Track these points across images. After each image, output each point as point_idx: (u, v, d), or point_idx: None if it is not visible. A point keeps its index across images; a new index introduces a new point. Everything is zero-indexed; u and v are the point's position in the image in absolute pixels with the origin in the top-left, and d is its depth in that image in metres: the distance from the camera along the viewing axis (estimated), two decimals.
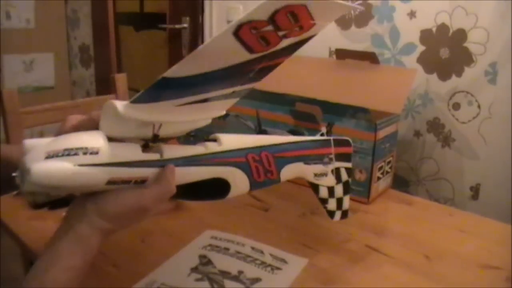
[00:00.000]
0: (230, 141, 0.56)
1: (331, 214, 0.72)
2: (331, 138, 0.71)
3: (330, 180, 0.70)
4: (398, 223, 0.86)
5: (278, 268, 0.67)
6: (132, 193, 0.47)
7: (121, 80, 1.29)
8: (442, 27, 1.09)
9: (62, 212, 0.81)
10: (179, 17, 1.79)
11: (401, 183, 1.19)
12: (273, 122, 1.00)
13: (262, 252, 0.71)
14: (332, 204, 0.71)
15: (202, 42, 1.70)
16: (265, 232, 0.78)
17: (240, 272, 0.66)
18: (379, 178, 0.93)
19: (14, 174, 0.43)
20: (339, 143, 0.71)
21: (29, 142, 0.45)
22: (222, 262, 0.68)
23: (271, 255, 0.71)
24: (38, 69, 2.33)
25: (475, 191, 1.09)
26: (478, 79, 1.05)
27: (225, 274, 0.65)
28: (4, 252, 1.65)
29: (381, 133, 0.90)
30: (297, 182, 0.99)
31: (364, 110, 0.89)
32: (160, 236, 0.76)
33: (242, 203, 0.90)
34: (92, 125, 0.47)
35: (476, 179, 1.09)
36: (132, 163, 0.46)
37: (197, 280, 0.64)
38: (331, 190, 0.71)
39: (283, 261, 0.69)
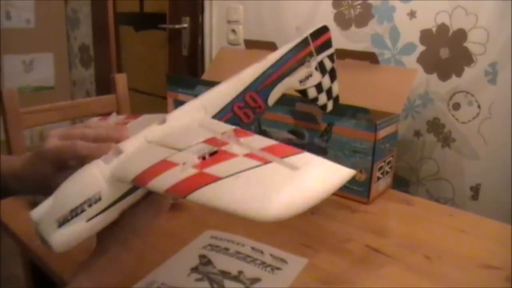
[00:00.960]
0: (215, 102, 0.54)
1: (323, 107, 0.70)
2: (307, 35, 0.67)
3: (316, 77, 0.68)
4: (398, 223, 0.86)
5: (278, 268, 0.67)
6: (151, 212, 0.49)
7: (121, 80, 1.29)
8: (442, 27, 1.09)
9: None
10: (179, 17, 1.79)
11: (401, 183, 1.19)
12: (273, 122, 1.00)
13: (262, 252, 0.71)
14: (322, 99, 0.70)
15: (202, 42, 1.70)
16: (265, 232, 0.78)
17: (240, 272, 0.66)
18: (379, 178, 0.93)
19: (37, 243, 0.45)
20: (316, 34, 0.67)
21: (36, 214, 0.44)
22: (222, 262, 0.68)
23: (271, 255, 0.70)
24: (38, 69, 2.33)
25: (475, 191, 1.09)
26: (478, 79, 1.05)
27: (225, 274, 0.65)
28: (4, 252, 1.65)
29: (381, 133, 0.90)
30: None
31: (364, 110, 0.89)
32: (160, 236, 0.76)
33: None
34: (72, 149, 0.49)
35: (476, 179, 1.09)
36: (134, 187, 0.46)
37: (197, 280, 0.64)
38: (318, 86, 0.69)
39: (283, 261, 0.69)
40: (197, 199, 0.38)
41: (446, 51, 1.10)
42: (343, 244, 0.76)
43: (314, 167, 0.40)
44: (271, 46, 1.25)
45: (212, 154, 0.42)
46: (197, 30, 1.71)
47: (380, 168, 0.93)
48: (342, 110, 0.90)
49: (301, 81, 0.66)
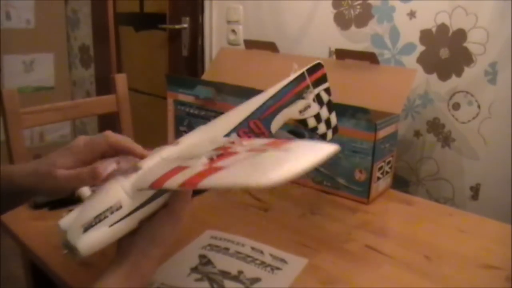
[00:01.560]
0: (222, 127, 0.59)
1: (323, 137, 0.75)
2: (304, 70, 0.72)
3: (314, 108, 0.73)
4: (398, 223, 0.86)
5: (278, 268, 0.67)
6: (169, 223, 0.51)
7: (121, 80, 1.29)
8: (442, 27, 1.09)
9: (62, 212, 0.81)
10: (179, 17, 1.79)
11: (401, 183, 1.19)
12: None
13: (262, 252, 0.71)
14: (322, 128, 0.75)
15: (202, 42, 1.70)
16: (265, 232, 0.78)
17: (240, 272, 0.66)
18: (379, 178, 0.94)
19: (64, 252, 0.49)
20: (312, 70, 0.72)
21: (64, 223, 0.49)
22: (222, 262, 0.68)
23: (271, 255, 0.71)
24: (38, 69, 2.33)
25: (475, 191, 1.09)
26: (478, 79, 1.05)
27: (225, 274, 0.65)
28: (4, 252, 1.65)
29: (381, 133, 0.90)
30: (297, 182, 0.99)
31: (364, 110, 0.89)
32: None
33: (242, 203, 0.90)
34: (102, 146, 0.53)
35: (476, 179, 1.09)
36: (152, 197, 0.51)
37: (197, 280, 0.64)
38: (317, 117, 0.74)
39: (283, 261, 0.69)
40: (205, 185, 0.43)
41: (446, 51, 1.10)
42: (343, 244, 0.76)
43: (303, 145, 0.46)
44: (271, 46, 1.25)
45: (219, 155, 0.48)
46: (197, 30, 1.71)
47: (380, 168, 0.93)
48: (342, 110, 0.91)
49: (300, 112, 0.71)
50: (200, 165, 0.46)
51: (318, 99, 0.73)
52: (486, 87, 1.04)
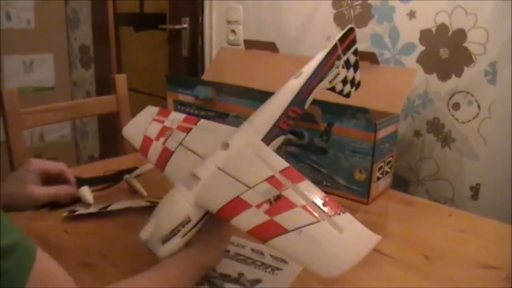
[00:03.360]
0: (264, 125, 0.63)
1: (347, 95, 0.76)
2: (336, 41, 0.70)
3: (342, 74, 0.73)
4: (398, 223, 0.86)
5: (278, 269, 0.67)
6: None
7: (121, 80, 1.29)
8: (442, 27, 1.09)
9: (63, 212, 0.82)
10: (179, 17, 1.79)
11: (401, 183, 1.19)
12: None
13: (262, 253, 0.71)
14: (347, 88, 0.75)
15: (202, 42, 1.70)
16: None
17: (241, 275, 0.66)
18: (378, 178, 0.94)
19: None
20: (343, 38, 0.71)
21: (144, 235, 0.58)
22: (222, 265, 0.67)
23: (271, 256, 0.71)
24: (38, 69, 2.33)
25: (475, 191, 1.09)
26: (478, 79, 1.05)
27: (225, 277, 0.65)
28: None
29: (381, 133, 0.90)
30: None
31: (364, 110, 0.89)
32: None
33: None
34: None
35: (476, 179, 1.09)
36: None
37: (197, 284, 0.64)
38: (344, 80, 0.73)
39: (283, 261, 0.69)
40: (272, 246, 0.51)
41: (445, 51, 1.10)
42: None
43: (354, 233, 0.54)
44: (271, 46, 1.25)
45: (276, 198, 0.54)
46: (197, 30, 1.71)
47: (380, 168, 0.93)
48: (342, 110, 0.91)
49: (330, 82, 0.72)
50: (262, 210, 0.53)
51: (347, 63, 0.73)
52: (486, 87, 1.04)
